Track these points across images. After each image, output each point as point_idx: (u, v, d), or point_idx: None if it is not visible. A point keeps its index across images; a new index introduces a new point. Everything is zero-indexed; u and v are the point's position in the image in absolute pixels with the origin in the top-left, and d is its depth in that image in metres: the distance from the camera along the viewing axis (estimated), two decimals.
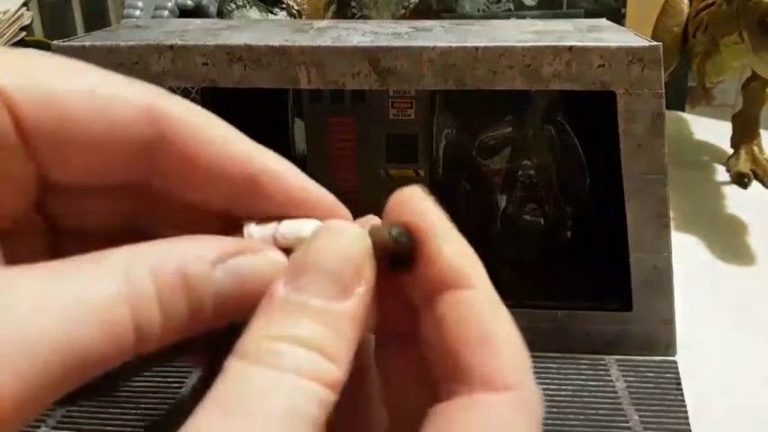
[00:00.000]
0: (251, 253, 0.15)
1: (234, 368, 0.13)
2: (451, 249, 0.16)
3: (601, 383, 0.40)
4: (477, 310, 0.15)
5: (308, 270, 0.14)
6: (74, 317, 0.12)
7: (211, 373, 0.13)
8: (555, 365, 0.42)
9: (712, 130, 0.82)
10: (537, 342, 0.43)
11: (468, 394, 0.14)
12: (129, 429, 0.37)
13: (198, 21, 0.57)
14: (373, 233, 0.15)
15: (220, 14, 0.73)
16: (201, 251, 0.14)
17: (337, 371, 0.13)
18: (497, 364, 0.14)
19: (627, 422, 0.37)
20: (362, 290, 0.14)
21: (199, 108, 0.16)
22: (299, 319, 0.13)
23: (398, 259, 0.15)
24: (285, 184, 0.16)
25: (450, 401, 0.14)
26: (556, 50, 0.38)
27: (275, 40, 0.40)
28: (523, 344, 0.15)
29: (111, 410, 0.37)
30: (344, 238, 0.15)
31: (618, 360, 0.42)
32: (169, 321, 0.13)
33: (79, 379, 0.12)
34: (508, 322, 0.15)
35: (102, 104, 0.14)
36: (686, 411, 0.38)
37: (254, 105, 0.51)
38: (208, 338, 0.15)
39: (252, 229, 0.16)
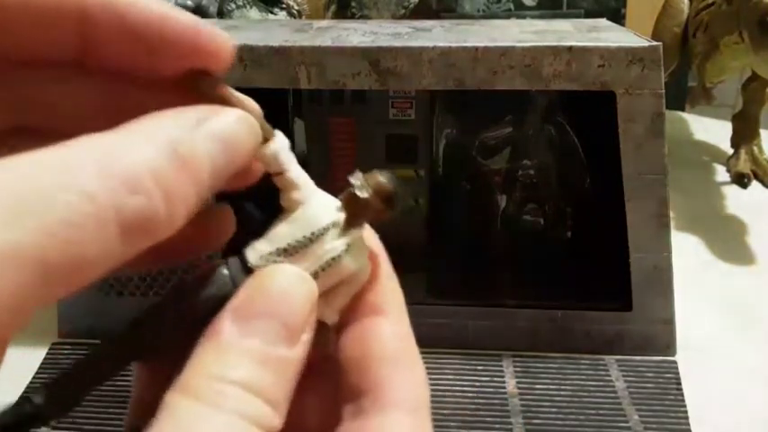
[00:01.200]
0: (220, 113, 0.15)
1: (178, 404, 0.13)
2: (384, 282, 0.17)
3: (601, 383, 0.40)
4: (390, 336, 0.16)
5: (258, 314, 0.14)
6: (58, 204, 0.11)
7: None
8: (555, 365, 0.42)
9: (712, 130, 0.82)
10: (537, 342, 0.43)
11: (377, 412, 0.15)
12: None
13: None
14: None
15: (220, 14, 0.73)
16: (175, 119, 0.14)
17: (277, 417, 0.14)
18: (408, 387, 0.16)
19: (627, 422, 0.37)
20: (307, 337, 0.15)
21: None
22: (245, 362, 0.13)
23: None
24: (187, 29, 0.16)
25: (356, 420, 0.15)
26: (556, 50, 0.38)
27: (275, 41, 0.40)
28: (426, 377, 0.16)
29: (111, 410, 0.37)
30: (295, 286, 0.15)
31: (618, 360, 0.42)
32: (172, 196, 0.13)
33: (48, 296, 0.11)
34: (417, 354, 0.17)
35: None
36: (686, 411, 0.38)
37: None
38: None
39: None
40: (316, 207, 0.16)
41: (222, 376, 0.13)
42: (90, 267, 0.12)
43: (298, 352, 0.14)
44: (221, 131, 0.14)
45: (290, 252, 0.15)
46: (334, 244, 0.15)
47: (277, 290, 0.15)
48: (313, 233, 0.15)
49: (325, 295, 0.16)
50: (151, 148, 0.13)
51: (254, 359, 0.14)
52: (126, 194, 0.12)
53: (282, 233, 0.16)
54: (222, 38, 0.16)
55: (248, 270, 0.15)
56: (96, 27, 0.15)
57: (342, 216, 0.16)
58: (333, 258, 0.15)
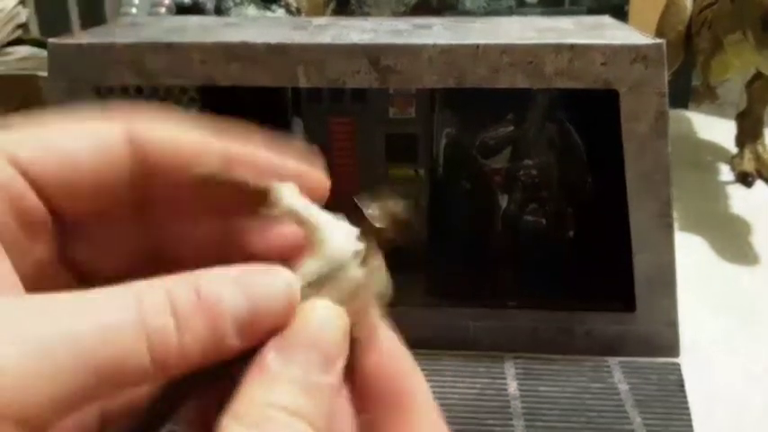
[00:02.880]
0: (263, 273, 0.16)
1: (233, 429, 0.14)
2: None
3: (603, 385, 0.40)
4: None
5: (299, 345, 0.16)
6: (87, 342, 0.13)
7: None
8: (557, 367, 0.41)
9: (716, 129, 0.82)
10: (538, 343, 0.43)
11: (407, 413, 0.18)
12: None
13: (195, 18, 0.57)
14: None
15: (218, 12, 0.73)
16: (215, 272, 0.16)
17: None
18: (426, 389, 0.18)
19: (630, 424, 0.37)
20: (341, 364, 0.16)
21: (166, 118, 0.18)
22: (290, 390, 0.15)
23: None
24: (254, 161, 0.18)
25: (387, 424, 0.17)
26: (558, 48, 0.38)
27: (274, 38, 0.39)
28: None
29: None
30: (332, 319, 0.16)
31: (620, 362, 0.42)
32: (187, 341, 0.14)
33: (96, 394, 0.13)
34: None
35: (88, 145, 0.16)
36: (689, 414, 0.38)
37: (253, 104, 0.50)
38: None
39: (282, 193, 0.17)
40: (338, 242, 0.17)
41: (270, 403, 0.15)
42: (127, 378, 0.14)
43: (335, 379, 0.16)
44: (253, 289, 0.16)
45: (320, 284, 0.17)
46: (357, 272, 0.17)
47: (316, 323, 0.16)
48: (339, 265, 0.17)
49: (352, 317, 0.17)
50: (176, 284, 0.15)
51: (298, 387, 0.15)
52: (149, 312, 0.14)
53: (311, 269, 0.17)
54: (322, 179, 0.19)
55: None
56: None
57: (361, 245, 0.17)
58: (357, 285, 0.17)
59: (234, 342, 0.15)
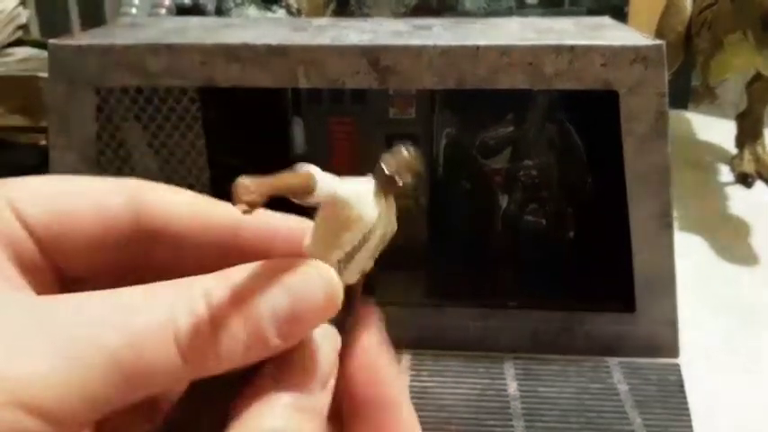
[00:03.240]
0: (300, 267, 0.16)
1: None
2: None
3: (603, 386, 0.40)
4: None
5: (293, 367, 0.16)
6: (116, 346, 0.13)
7: None
8: (557, 367, 0.41)
9: (716, 129, 0.82)
10: (538, 344, 0.43)
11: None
12: None
13: (195, 19, 0.57)
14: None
15: (218, 12, 0.73)
16: (250, 268, 0.16)
17: None
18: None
19: (630, 425, 0.37)
20: (332, 382, 0.17)
21: (172, 188, 0.18)
22: (284, 412, 0.15)
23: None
24: (267, 227, 0.18)
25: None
26: (558, 49, 0.38)
27: (274, 39, 0.39)
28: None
29: None
30: (324, 340, 0.16)
31: (620, 362, 0.42)
32: (225, 341, 0.14)
33: (127, 395, 0.14)
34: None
35: (91, 207, 0.17)
36: (689, 414, 0.38)
37: (253, 105, 0.50)
38: None
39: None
40: (363, 204, 0.17)
41: (266, 427, 0.15)
42: (156, 380, 0.14)
43: (326, 397, 0.16)
44: (290, 288, 0.16)
45: (355, 252, 0.17)
46: (383, 229, 0.17)
47: (313, 346, 0.16)
48: (368, 232, 0.17)
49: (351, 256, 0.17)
50: (211, 283, 0.15)
51: (292, 408, 0.15)
52: (181, 314, 0.14)
53: (347, 239, 0.17)
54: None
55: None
56: (245, 250, 0.17)
57: (382, 202, 0.17)
58: (381, 239, 0.17)
59: (276, 341, 0.15)
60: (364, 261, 0.18)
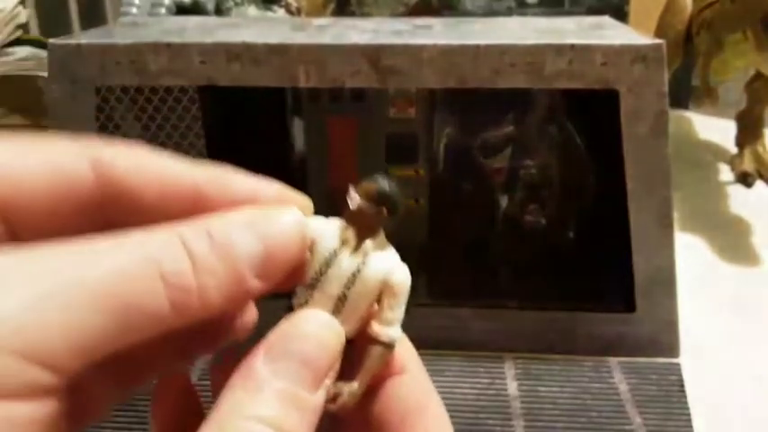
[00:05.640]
0: (271, 213, 0.16)
1: None
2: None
3: (603, 386, 0.40)
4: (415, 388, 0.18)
5: (288, 356, 0.15)
6: (102, 284, 0.13)
7: None
8: (557, 367, 0.41)
9: (716, 129, 0.82)
10: (539, 344, 0.43)
11: None
12: (126, 430, 0.36)
13: (195, 18, 0.57)
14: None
15: (218, 12, 0.73)
16: (224, 216, 0.16)
17: None
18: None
19: (630, 425, 0.37)
20: (329, 381, 0.16)
21: (133, 146, 0.17)
22: (274, 402, 0.15)
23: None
24: (229, 185, 0.17)
25: None
26: (558, 49, 0.38)
27: (274, 38, 0.39)
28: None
29: None
30: (324, 330, 0.16)
31: (621, 362, 0.42)
32: (207, 283, 0.14)
33: (116, 338, 0.13)
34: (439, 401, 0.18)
35: (51, 169, 0.16)
36: (689, 414, 0.38)
37: (253, 104, 0.50)
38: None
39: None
40: (323, 236, 0.17)
41: (252, 415, 0.14)
42: (146, 320, 0.13)
43: (320, 396, 0.15)
44: (266, 231, 0.16)
45: (316, 282, 0.17)
46: (351, 261, 0.17)
47: (308, 333, 0.16)
48: (327, 260, 0.17)
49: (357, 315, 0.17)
50: (187, 229, 0.15)
51: (283, 399, 0.15)
52: (162, 254, 0.14)
53: (311, 273, 0.17)
54: (304, 201, 0.18)
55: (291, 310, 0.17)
56: (208, 202, 0.17)
57: (348, 233, 0.17)
58: (353, 274, 0.17)
59: (254, 283, 0.15)
60: (359, 308, 0.17)
